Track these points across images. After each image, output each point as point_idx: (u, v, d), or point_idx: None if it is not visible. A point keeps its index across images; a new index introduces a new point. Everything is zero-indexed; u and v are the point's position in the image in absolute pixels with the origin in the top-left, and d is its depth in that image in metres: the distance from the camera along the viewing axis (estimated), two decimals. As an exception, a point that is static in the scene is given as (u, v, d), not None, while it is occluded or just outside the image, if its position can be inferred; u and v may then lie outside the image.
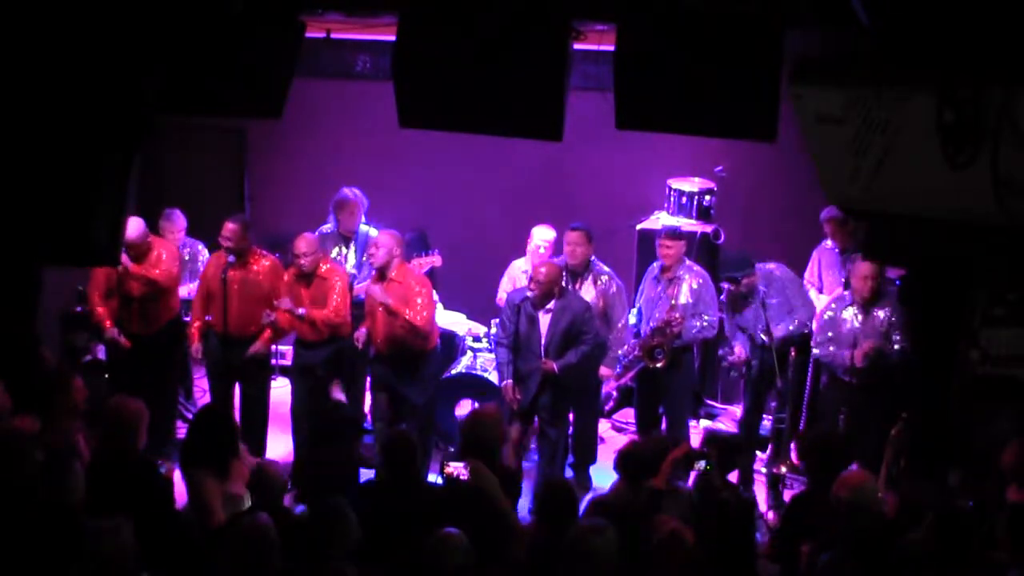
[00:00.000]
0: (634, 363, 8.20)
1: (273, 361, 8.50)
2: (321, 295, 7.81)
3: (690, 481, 5.88)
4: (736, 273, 7.85)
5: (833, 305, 7.74)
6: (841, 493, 5.09)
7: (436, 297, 8.18)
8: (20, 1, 5.18)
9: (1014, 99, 3.94)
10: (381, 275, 7.71)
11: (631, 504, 5.34)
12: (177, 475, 5.90)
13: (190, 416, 8.27)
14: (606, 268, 8.07)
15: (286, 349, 8.63)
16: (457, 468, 5.41)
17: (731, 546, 5.09)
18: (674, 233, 8.06)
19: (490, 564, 4.82)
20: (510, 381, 7.57)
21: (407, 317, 7.59)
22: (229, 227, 7.82)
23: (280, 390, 8.55)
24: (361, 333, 8.00)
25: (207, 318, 8.00)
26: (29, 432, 5.60)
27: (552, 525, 5.03)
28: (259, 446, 7.96)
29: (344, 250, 8.61)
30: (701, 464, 5.69)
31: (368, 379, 8.35)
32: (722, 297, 8.31)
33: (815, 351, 7.76)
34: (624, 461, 5.67)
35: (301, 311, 7.74)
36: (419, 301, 7.65)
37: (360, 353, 8.11)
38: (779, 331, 7.80)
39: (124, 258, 7.71)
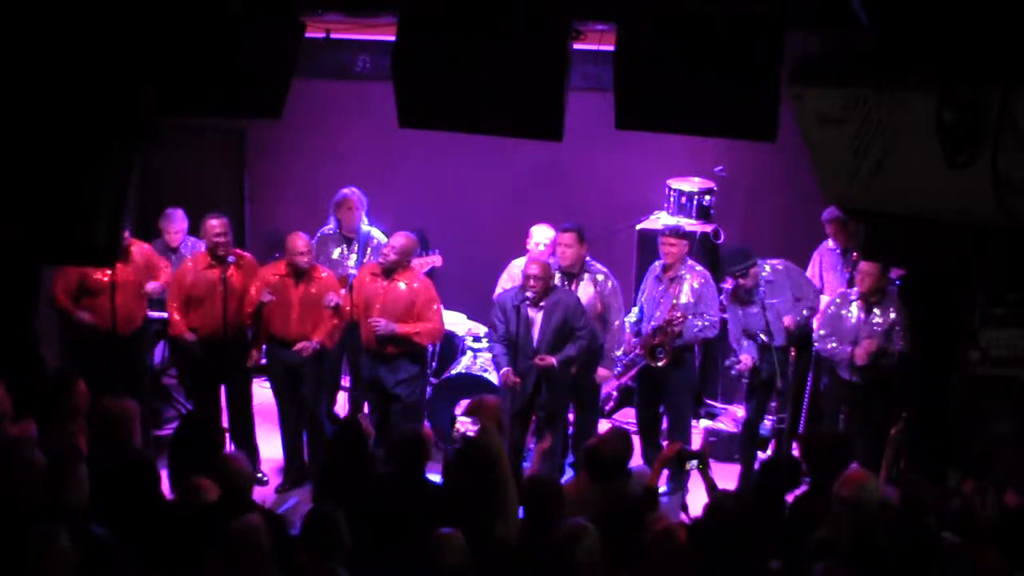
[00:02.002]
0: (635, 362, 8.20)
1: (263, 361, 8.48)
2: (312, 300, 7.75)
3: (688, 481, 5.88)
4: (739, 267, 7.86)
5: (837, 300, 7.76)
6: (842, 492, 5.09)
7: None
8: (20, 2, 5.18)
9: (1014, 99, 3.94)
10: (386, 275, 7.70)
11: (614, 503, 5.33)
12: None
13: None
14: (602, 267, 8.07)
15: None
16: (465, 424, 5.41)
17: (726, 546, 5.04)
18: (678, 231, 8.08)
19: (480, 535, 4.81)
20: (509, 368, 7.57)
21: (416, 340, 7.63)
22: (218, 224, 7.76)
23: (268, 390, 8.53)
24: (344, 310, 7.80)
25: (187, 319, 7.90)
26: (30, 434, 5.60)
27: (538, 522, 5.02)
28: (250, 447, 7.98)
29: (346, 250, 8.61)
30: (693, 463, 5.68)
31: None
32: (722, 297, 8.31)
33: (816, 345, 7.78)
34: (590, 459, 5.64)
35: (315, 344, 7.70)
36: (428, 314, 7.67)
37: (359, 352, 8.10)
38: (788, 320, 7.81)
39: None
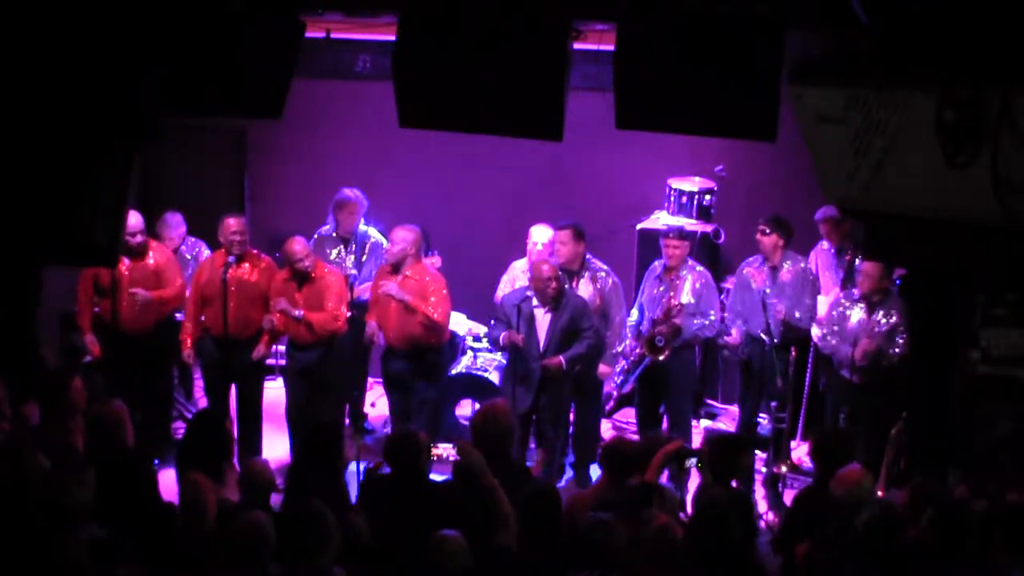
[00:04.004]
0: (636, 365, 8.19)
1: (271, 361, 8.47)
2: (316, 296, 7.75)
3: (688, 478, 5.87)
4: (774, 223, 8.04)
5: (843, 301, 7.78)
6: (838, 490, 5.09)
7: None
8: (20, 1, 5.18)
9: (1014, 99, 3.95)
10: (395, 270, 7.76)
11: (616, 500, 5.32)
12: (169, 477, 5.88)
13: (190, 417, 8.25)
14: (603, 265, 8.09)
15: (282, 348, 8.61)
16: (446, 449, 5.42)
17: (722, 543, 5.03)
18: (681, 233, 8.09)
19: (480, 547, 4.80)
20: (508, 331, 7.61)
21: (426, 312, 7.63)
22: (235, 223, 7.77)
23: (276, 391, 8.53)
24: (372, 327, 7.91)
25: (201, 318, 7.95)
26: (32, 420, 5.61)
27: (535, 530, 5.01)
28: (255, 447, 7.95)
29: (343, 251, 8.60)
30: (692, 461, 5.68)
31: (372, 378, 8.32)
32: (723, 297, 8.32)
33: (816, 340, 7.82)
34: (608, 457, 5.65)
35: (298, 313, 7.65)
36: (435, 298, 7.71)
37: (359, 352, 8.09)
38: (781, 308, 7.93)
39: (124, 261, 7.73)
